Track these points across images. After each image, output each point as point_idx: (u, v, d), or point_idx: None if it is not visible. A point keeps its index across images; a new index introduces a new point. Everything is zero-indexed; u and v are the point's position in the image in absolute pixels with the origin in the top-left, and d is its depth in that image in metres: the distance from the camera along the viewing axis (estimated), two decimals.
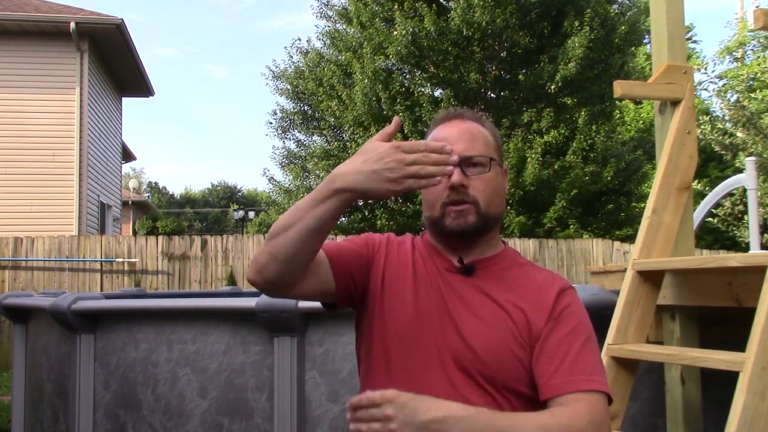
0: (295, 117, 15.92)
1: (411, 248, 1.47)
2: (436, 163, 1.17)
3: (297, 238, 1.24)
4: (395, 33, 13.33)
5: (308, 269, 1.32)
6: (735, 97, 11.83)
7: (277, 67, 16.18)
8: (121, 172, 17.86)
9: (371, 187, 1.19)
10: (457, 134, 1.41)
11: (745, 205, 10.15)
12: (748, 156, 10.41)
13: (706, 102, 17.24)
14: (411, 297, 1.39)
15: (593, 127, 13.07)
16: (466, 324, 1.34)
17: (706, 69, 13.71)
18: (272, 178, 15.91)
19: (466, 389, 1.30)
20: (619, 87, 2.64)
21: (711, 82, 13.34)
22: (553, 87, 12.93)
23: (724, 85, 12.65)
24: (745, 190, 5.29)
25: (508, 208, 12.78)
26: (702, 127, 11.54)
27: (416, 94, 13.71)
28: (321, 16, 15.96)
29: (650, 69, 3.73)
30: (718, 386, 2.41)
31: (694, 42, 26.25)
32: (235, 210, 40.38)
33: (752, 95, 11.45)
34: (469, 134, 1.42)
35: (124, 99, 17.38)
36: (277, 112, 16.10)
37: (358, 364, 1.48)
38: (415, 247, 1.47)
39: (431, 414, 1.13)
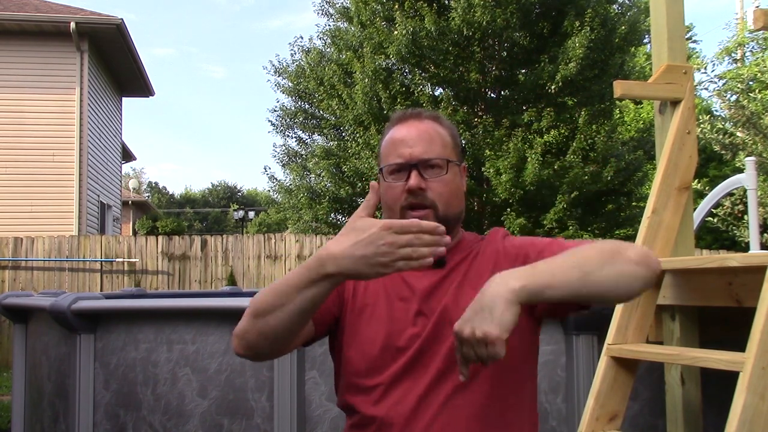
0: (296, 115, 15.93)
1: None
2: (429, 244, 1.13)
3: (289, 320, 1.22)
4: (395, 32, 13.33)
5: None
6: (735, 97, 11.82)
7: (279, 63, 16.20)
8: (121, 172, 17.86)
9: (362, 271, 1.15)
10: (416, 135, 1.40)
11: (745, 205, 10.15)
12: (747, 156, 10.41)
13: (705, 102, 17.24)
14: (384, 306, 1.39)
15: (593, 126, 13.06)
16: (449, 315, 1.34)
17: (705, 69, 13.70)
18: (273, 176, 15.92)
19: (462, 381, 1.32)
20: (619, 87, 2.64)
21: (711, 81, 13.34)
22: (553, 87, 12.93)
23: (724, 84, 12.65)
24: (745, 190, 5.29)
25: (508, 210, 12.78)
26: (702, 126, 11.54)
27: (416, 94, 13.71)
28: (322, 13, 15.97)
29: (650, 69, 3.73)
30: (718, 386, 2.41)
31: (694, 42, 26.25)
32: (235, 210, 40.36)
33: (752, 95, 11.44)
34: (427, 135, 1.41)
35: (124, 99, 17.38)
36: (278, 108, 16.11)
37: (343, 390, 1.45)
38: None
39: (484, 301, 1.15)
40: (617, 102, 14.35)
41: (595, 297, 1.22)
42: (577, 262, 1.21)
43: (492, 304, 1.13)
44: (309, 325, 1.36)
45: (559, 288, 1.18)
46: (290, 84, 15.88)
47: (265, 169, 20.74)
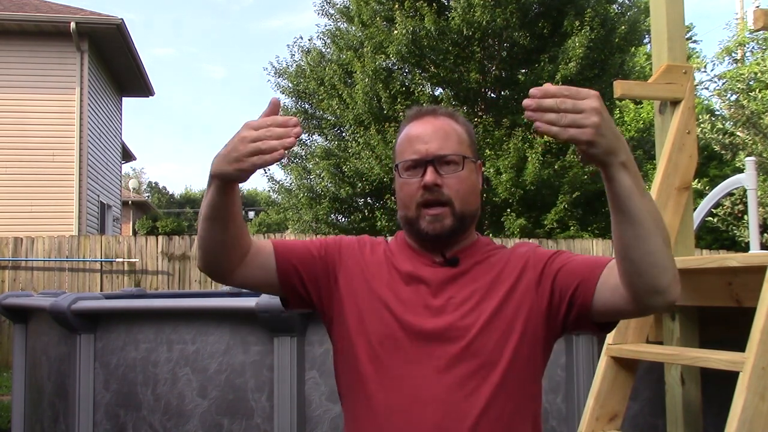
0: (297, 115, 15.92)
1: (384, 250, 1.46)
2: (279, 136, 1.16)
3: (202, 229, 1.31)
4: (396, 32, 13.33)
5: (245, 258, 1.36)
6: (735, 97, 11.82)
7: (279, 64, 16.20)
8: (121, 172, 17.86)
9: (224, 171, 1.21)
10: (431, 132, 1.40)
11: (745, 204, 10.14)
12: (748, 156, 10.41)
13: (705, 102, 17.23)
14: (391, 295, 1.38)
15: None
16: (456, 314, 1.34)
17: (705, 69, 13.71)
18: (272, 177, 15.92)
19: (465, 377, 1.30)
20: (619, 87, 2.64)
21: (711, 81, 13.34)
22: None
23: (724, 84, 12.65)
24: (745, 190, 5.29)
25: (508, 210, 12.78)
26: (702, 126, 11.54)
27: (416, 94, 13.71)
28: (323, 14, 15.97)
29: (650, 69, 3.73)
30: (718, 386, 2.41)
31: (694, 42, 26.21)
32: None
33: (752, 95, 11.44)
34: (443, 132, 1.40)
35: (124, 99, 17.37)
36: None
37: (339, 374, 1.46)
38: (390, 248, 1.47)
39: (617, 131, 1.10)
40: (617, 102, 14.35)
41: (644, 249, 1.16)
42: (658, 216, 1.18)
43: (603, 121, 1.06)
44: (267, 263, 1.39)
45: (635, 207, 1.13)
46: (290, 84, 15.88)
47: (264, 171, 20.71)
